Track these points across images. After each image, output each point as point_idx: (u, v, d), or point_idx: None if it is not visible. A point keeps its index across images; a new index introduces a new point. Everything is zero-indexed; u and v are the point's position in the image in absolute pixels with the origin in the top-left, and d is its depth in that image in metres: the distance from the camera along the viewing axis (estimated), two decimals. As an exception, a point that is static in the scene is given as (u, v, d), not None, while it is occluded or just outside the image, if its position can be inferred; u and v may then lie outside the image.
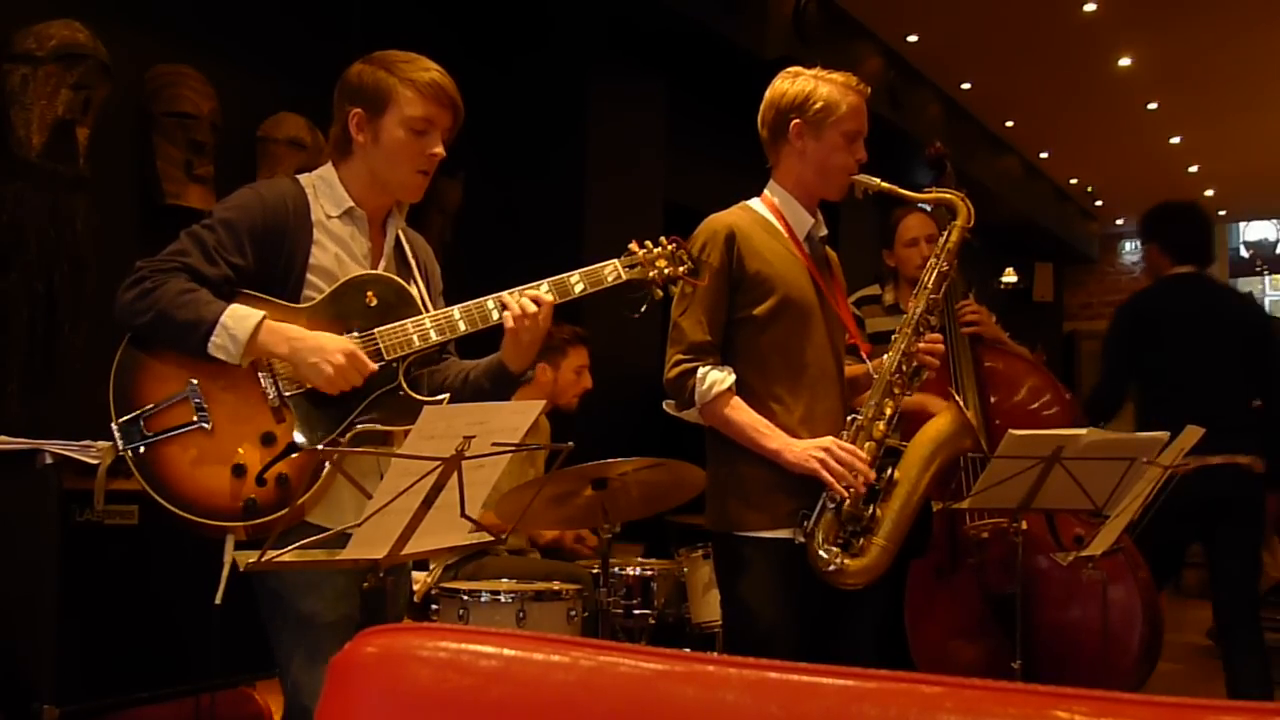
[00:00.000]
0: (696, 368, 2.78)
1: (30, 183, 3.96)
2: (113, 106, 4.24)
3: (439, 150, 2.54)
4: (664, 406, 2.91)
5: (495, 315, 2.52)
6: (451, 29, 5.94)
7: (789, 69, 3.00)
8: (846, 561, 2.74)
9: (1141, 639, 3.92)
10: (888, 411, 2.85)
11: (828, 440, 2.76)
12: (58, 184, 4.01)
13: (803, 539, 2.77)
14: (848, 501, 2.74)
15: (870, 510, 2.78)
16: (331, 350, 2.37)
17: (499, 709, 1.03)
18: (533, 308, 2.50)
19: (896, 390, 2.87)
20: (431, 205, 5.56)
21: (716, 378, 2.77)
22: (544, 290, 2.55)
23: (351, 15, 5.28)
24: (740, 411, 2.79)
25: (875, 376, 2.90)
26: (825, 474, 2.71)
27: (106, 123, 4.22)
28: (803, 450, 2.75)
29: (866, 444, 2.81)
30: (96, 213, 4.14)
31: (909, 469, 2.83)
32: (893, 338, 2.93)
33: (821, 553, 2.74)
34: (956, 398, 2.95)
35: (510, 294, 2.53)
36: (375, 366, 2.43)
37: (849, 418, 2.87)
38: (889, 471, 2.81)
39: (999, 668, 3.58)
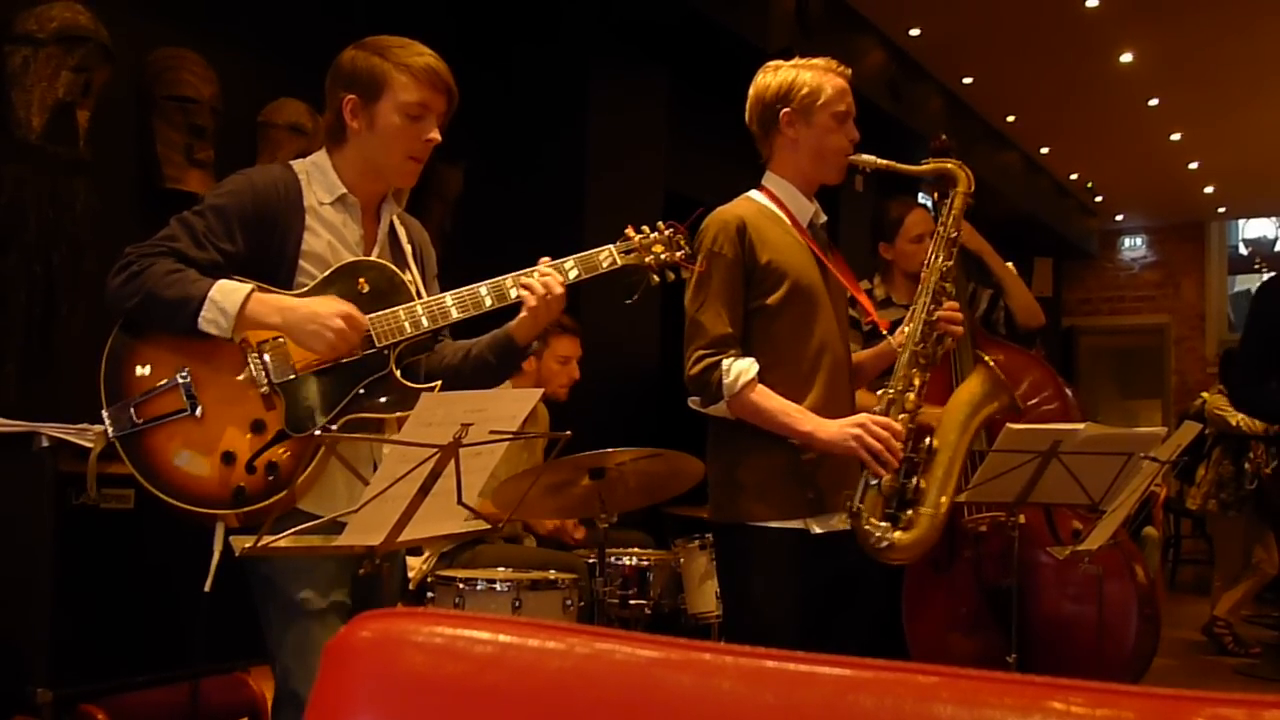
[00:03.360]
0: (720, 360, 2.77)
1: (30, 165, 3.94)
2: (113, 89, 4.23)
3: (435, 135, 2.54)
4: (689, 404, 2.90)
5: (488, 302, 2.52)
6: (453, 16, 5.93)
7: (767, 64, 3.03)
8: (897, 535, 2.74)
9: (1137, 634, 3.92)
10: (916, 382, 2.86)
11: (862, 416, 2.76)
12: (57, 166, 4.00)
13: (851, 520, 2.76)
14: (887, 478, 2.74)
15: (914, 482, 2.78)
16: (327, 315, 2.36)
17: (493, 694, 1.02)
18: (556, 287, 2.51)
19: (922, 360, 2.88)
20: (432, 193, 5.55)
21: (742, 368, 2.76)
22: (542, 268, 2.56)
23: (354, 1, 5.27)
24: (769, 398, 2.78)
25: (899, 351, 2.91)
26: (863, 453, 2.71)
27: (107, 105, 4.21)
28: (838, 429, 2.74)
29: (900, 416, 2.81)
30: (96, 196, 4.12)
31: (947, 435, 2.83)
32: (911, 308, 2.94)
33: (871, 530, 2.74)
34: (985, 358, 2.95)
35: (528, 273, 2.53)
36: (368, 323, 2.42)
37: (879, 391, 2.88)
38: (927, 440, 2.81)
39: (994, 661, 3.59)
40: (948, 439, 2.83)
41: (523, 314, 2.55)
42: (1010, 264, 4.50)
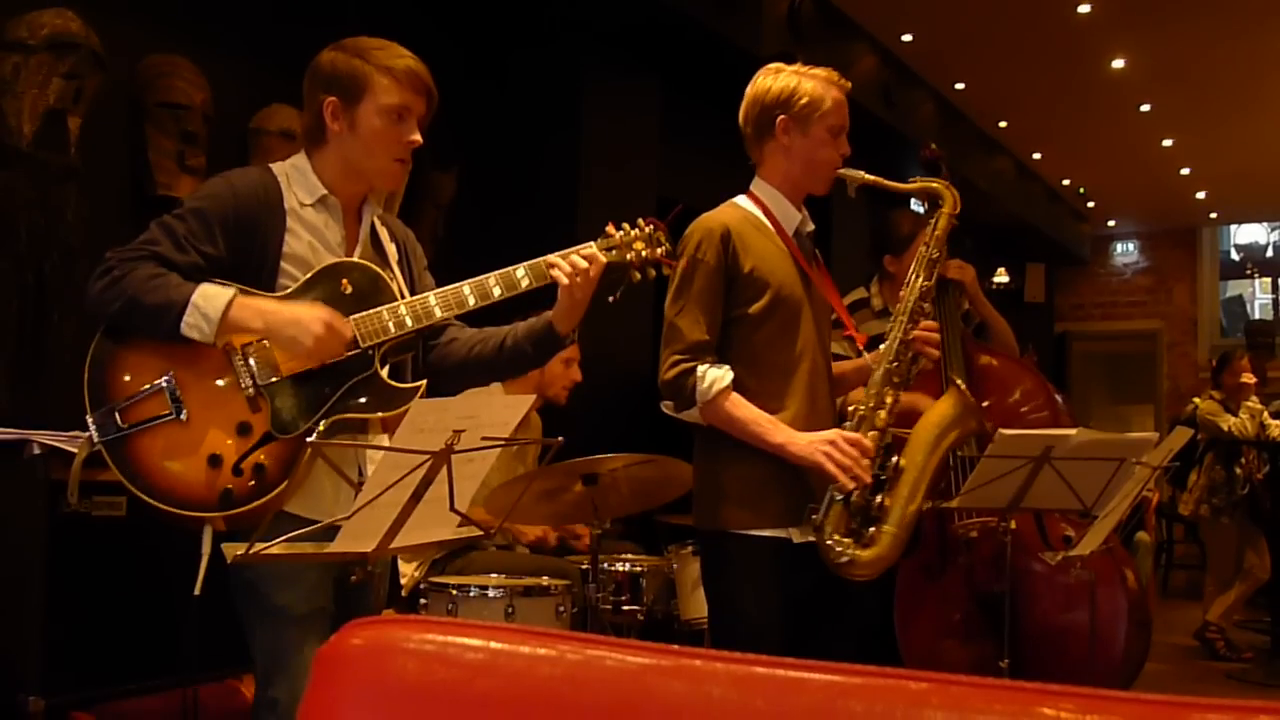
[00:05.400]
0: (695, 366, 2.77)
1: (21, 172, 3.94)
2: (105, 96, 4.22)
3: (416, 138, 2.54)
4: (662, 408, 2.90)
5: (472, 300, 2.53)
6: (446, 22, 5.93)
7: (769, 65, 3.01)
8: (858, 552, 2.74)
9: (1128, 639, 3.93)
10: (888, 400, 2.86)
11: (833, 433, 2.76)
12: (48, 173, 4.00)
13: (812, 534, 2.76)
14: (855, 493, 2.74)
15: (878, 499, 2.78)
16: (309, 320, 2.35)
17: (485, 702, 1.03)
18: (583, 264, 2.52)
19: (895, 379, 2.88)
20: (425, 199, 5.56)
21: (716, 375, 2.76)
22: (520, 274, 2.56)
23: (346, 7, 5.27)
24: (742, 408, 2.78)
25: (873, 367, 2.91)
26: (831, 467, 2.71)
27: (98, 112, 4.20)
28: (808, 443, 2.74)
29: (870, 433, 2.81)
30: (87, 203, 4.12)
31: (914, 455, 2.83)
32: (888, 326, 2.94)
33: (833, 545, 2.74)
34: (957, 381, 2.95)
35: (559, 255, 2.55)
36: (353, 332, 2.42)
37: (850, 408, 2.88)
38: (894, 459, 2.81)
39: (987, 667, 3.59)
40: (914, 459, 2.83)
41: (560, 302, 2.56)
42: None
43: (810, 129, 2.91)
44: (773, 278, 2.84)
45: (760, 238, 2.89)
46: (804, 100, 2.90)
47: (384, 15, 5.32)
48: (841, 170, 2.96)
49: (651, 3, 5.98)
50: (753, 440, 2.78)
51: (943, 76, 9.13)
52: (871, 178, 2.94)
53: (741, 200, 3.00)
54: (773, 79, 2.95)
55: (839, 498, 2.75)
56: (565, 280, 2.51)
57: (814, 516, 2.76)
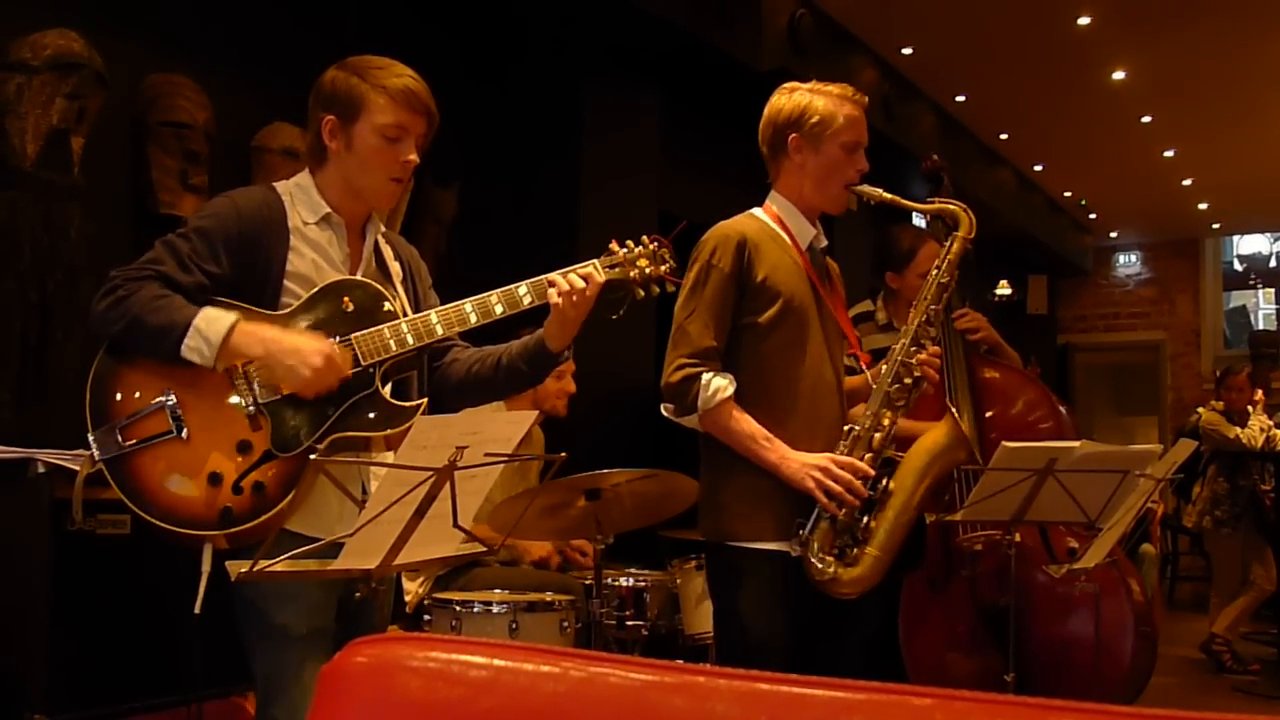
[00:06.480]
0: (700, 373, 2.78)
1: (24, 191, 3.95)
2: (107, 116, 4.24)
3: (412, 157, 2.53)
4: (662, 410, 2.90)
5: (473, 318, 2.53)
6: (447, 39, 5.95)
7: (785, 85, 3.02)
8: (841, 571, 2.76)
9: (1133, 652, 3.91)
10: (885, 422, 2.86)
11: (824, 458, 2.77)
12: (52, 193, 4.00)
13: (798, 549, 2.77)
14: (841, 513, 2.75)
15: (865, 521, 2.79)
16: (309, 352, 2.35)
17: (489, 719, 1.02)
18: (580, 284, 2.51)
19: (898, 402, 2.88)
20: (426, 216, 5.57)
21: (720, 384, 2.77)
22: (522, 292, 2.56)
23: (347, 25, 5.29)
24: (741, 421, 2.79)
25: (874, 387, 2.91)
26: (820, 495, 2.73)
27: (101, 132, 4.21)
28: (800, 466, 2.75)
29: (865, 455, 2.81)
30: (91, 222, 4.13)
31: (904, 480, 2.84)
32: (891, 348, 2.94)
33: (816, 562, 2.75)
34: (952, 410, 2.96)
35: (559, 274, 2.54)
36: (351, 370, 2.42)
37: (846, 428, 2.88)
38: (884, 482, 2.81)
39: (992, 681, 3.58)
40: (904, 484, 2.84)
41: (551, 320, 2.56)
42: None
43: (822, 146, 2.92)
44: (784, 288, 2.85)
45: (775, 248, 2.91)
46: (815, 119, 2.91)
47: (385, 32, 5.35)
48: (859, 187, 2.96)
49: (651, 18, 5.99)
50: (748, 455, 2.79)
51: (943, 89, 9.14)
52: (889, 196, 2.94)
53: (758, 212, 3.02)
54: (786, 98, 2.97)
55: (826, 515, 2.77)
56: (558, 300, 2.51)
57: (800, 532, 2.77)
